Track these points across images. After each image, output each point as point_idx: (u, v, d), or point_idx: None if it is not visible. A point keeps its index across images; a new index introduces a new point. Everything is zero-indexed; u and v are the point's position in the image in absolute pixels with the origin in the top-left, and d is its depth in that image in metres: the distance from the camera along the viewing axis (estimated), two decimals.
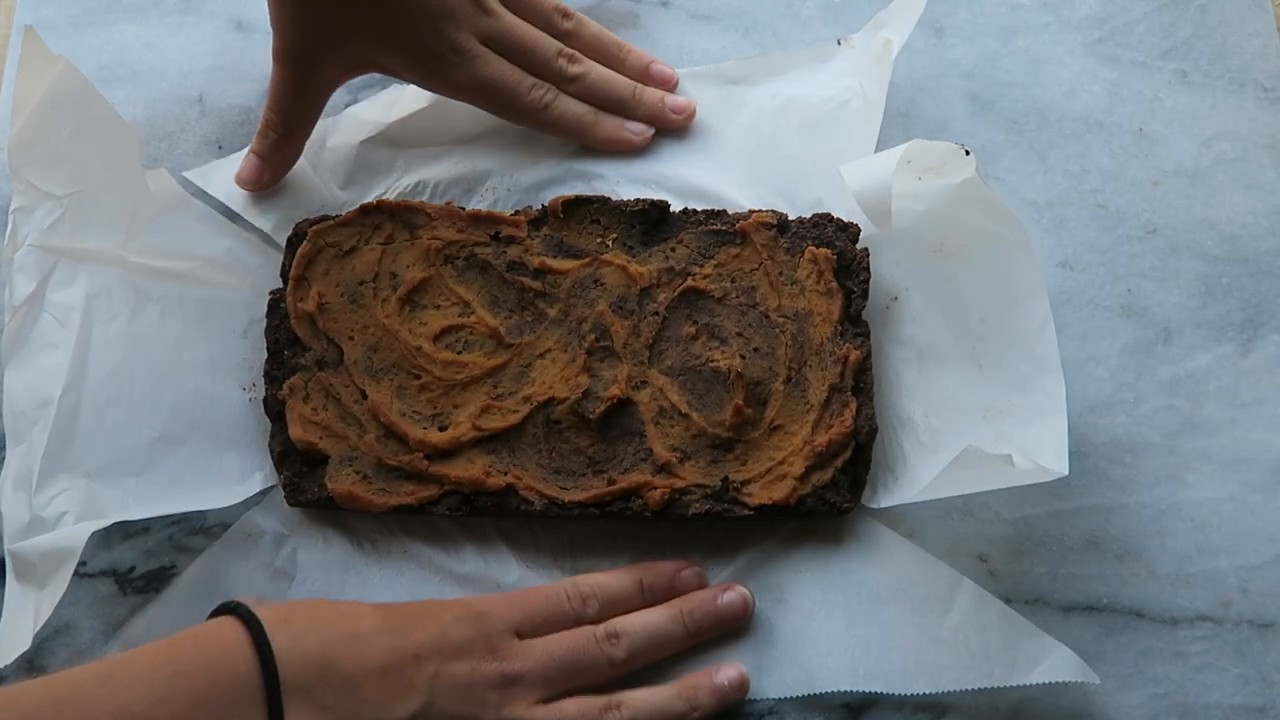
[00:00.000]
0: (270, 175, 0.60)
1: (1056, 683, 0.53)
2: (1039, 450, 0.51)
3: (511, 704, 0.49)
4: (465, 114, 0.62)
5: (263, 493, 0.57)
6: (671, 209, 0.59)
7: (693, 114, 0.63)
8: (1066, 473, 0.49)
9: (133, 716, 0.41)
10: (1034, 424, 0.53)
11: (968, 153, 0.53)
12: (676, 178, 0.62)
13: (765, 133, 0.62)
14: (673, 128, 0.62)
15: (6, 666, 0.49)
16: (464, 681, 0.49)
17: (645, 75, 0.63)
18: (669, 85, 0.63)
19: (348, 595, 0.56)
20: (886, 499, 0.56)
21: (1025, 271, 0.54)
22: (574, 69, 0.61)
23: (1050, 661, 0.53)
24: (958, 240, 0.56)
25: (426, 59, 0.58)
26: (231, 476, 0.57)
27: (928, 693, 0.53)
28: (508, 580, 0.56)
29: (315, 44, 0.56)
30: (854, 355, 0.56)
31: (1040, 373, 0.53)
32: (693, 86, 0.64)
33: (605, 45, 0.63)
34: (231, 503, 0.56)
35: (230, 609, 0.46)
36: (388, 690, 0.47)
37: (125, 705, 0.42)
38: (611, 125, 0.62)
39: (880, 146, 0.60)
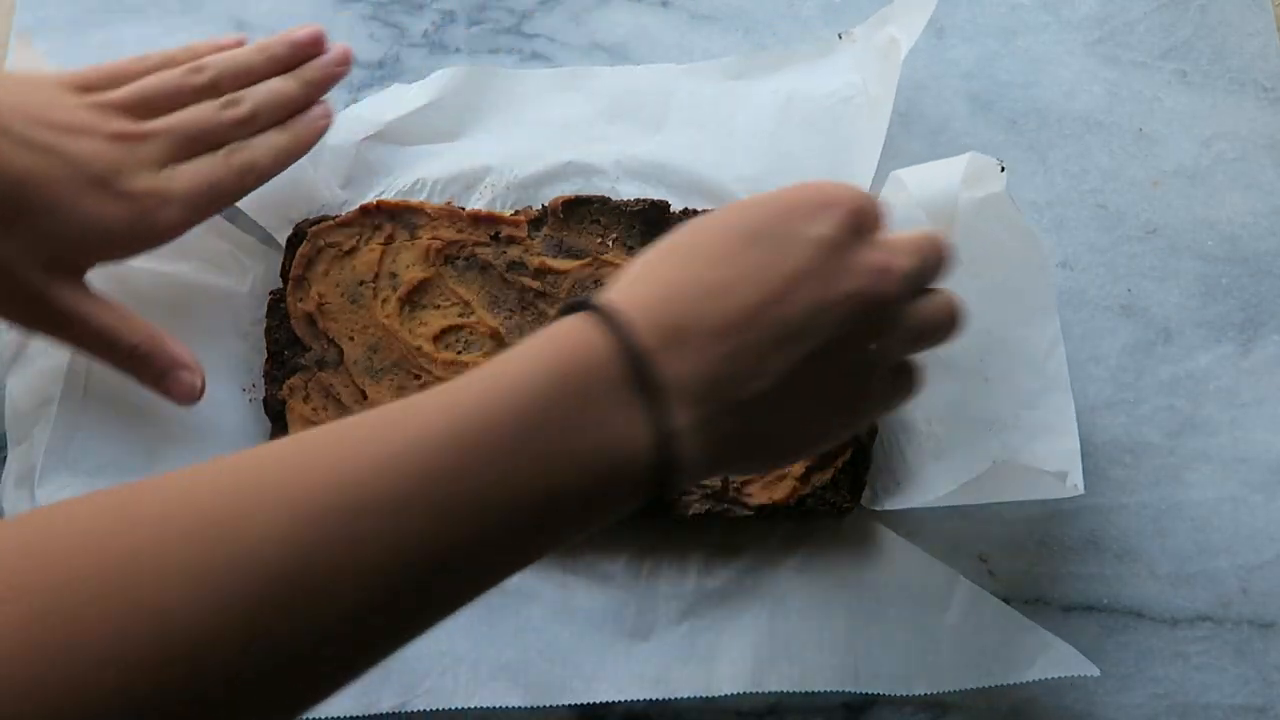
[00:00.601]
0: (191, 375, 0.53)
1: (1057, 681, 0.53)
2: (1047, 466, 0.52)
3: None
4: (464, 111, 0.62)
5: None
6: (672, 209, 0.59)
7: (348, 56, 0.57)
8: (1083, 490, 0.50)
9: (461, 433, 0.36)
10: (1042, 440, 0.53)
11: (1003, 169, 0.54)
12: (677, 174, 0.62)
13: (766, 129, 0.62)
14: (341, 78, 0.57)
15: None
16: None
17: (292, 57, 0.56)
18: (319, 45, 0.57)
19: None
20: (889, 502, 0.56)
21: (1039, 291, 0.54)
22: (240, 112, 0.54)
23: (1049, 657, 0.53)
24: (971, 252, 0.56)
25: (124, 231, 0.50)
26: None
27: (928, 693, 0.53)
28: (509, 582, 0.56)
29: None
30: None
31: (1049, 391, 0.53)
32: (692, 82, 0.63)
33: (243, 63, 0.55)
34: None
35: (579, 306, 0.40)
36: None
37: (455, 420, 0.36)
38: (303, 129, 0.56)
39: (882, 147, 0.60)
